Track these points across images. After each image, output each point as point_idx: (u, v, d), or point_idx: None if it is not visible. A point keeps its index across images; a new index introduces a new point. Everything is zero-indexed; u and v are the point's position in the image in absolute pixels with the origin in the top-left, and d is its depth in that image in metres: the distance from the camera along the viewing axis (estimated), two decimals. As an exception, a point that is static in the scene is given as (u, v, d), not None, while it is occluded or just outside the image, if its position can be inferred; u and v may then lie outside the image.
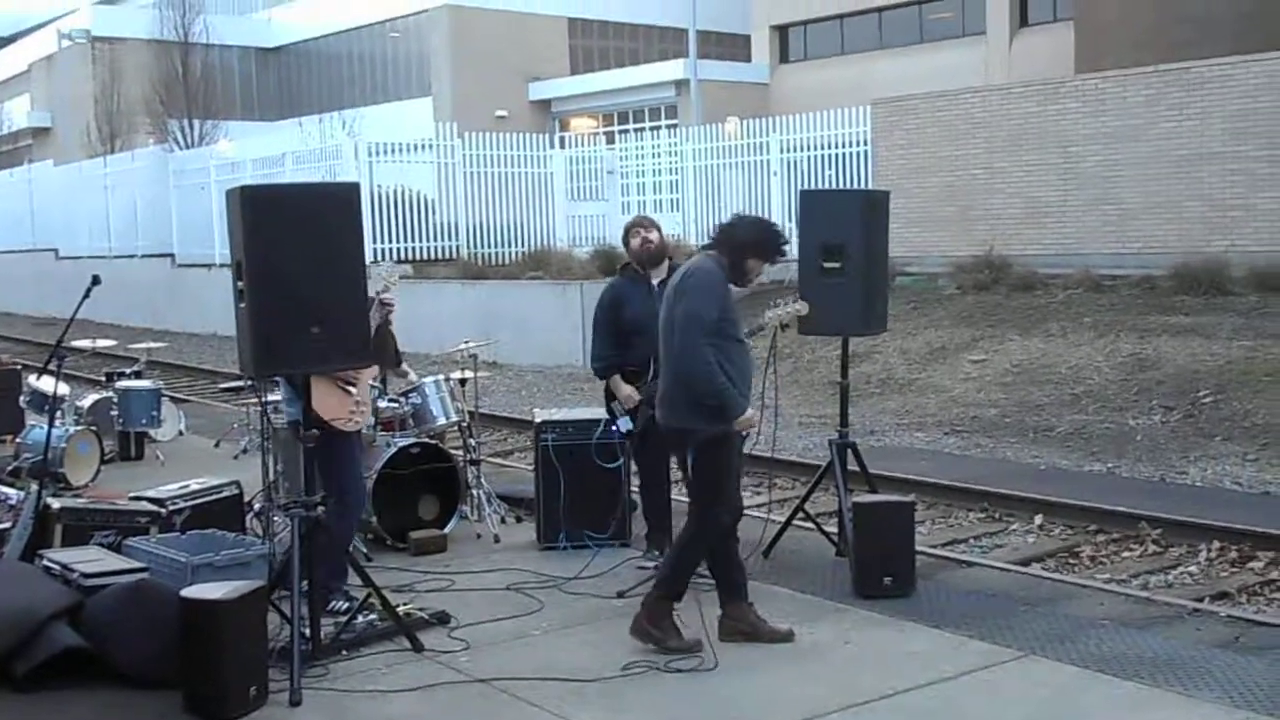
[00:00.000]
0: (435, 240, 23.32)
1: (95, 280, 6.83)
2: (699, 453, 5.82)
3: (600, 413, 7.64)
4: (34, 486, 6.95)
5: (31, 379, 10.90)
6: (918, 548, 7.05)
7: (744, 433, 6.02)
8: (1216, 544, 8.23)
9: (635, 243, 7.22)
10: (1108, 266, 16.61)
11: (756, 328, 6.89)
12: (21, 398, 10.82)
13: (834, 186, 19.18)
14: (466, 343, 8.79)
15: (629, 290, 7.21)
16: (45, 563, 6.01)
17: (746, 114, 24.02)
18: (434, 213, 23.43)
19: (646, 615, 5.85)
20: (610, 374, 7.23)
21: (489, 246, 23.44)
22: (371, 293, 6.51)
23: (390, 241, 22.58)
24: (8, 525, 6.91)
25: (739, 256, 5.91)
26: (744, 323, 6.06)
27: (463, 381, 8.61)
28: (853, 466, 7.46)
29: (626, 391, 7.13)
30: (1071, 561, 8.31)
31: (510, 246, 23.43)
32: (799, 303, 6.90)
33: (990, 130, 18.59)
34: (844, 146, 20.39)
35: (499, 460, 11.26)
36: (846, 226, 7.17)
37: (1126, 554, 8.40)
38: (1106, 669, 5.53)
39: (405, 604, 6.32)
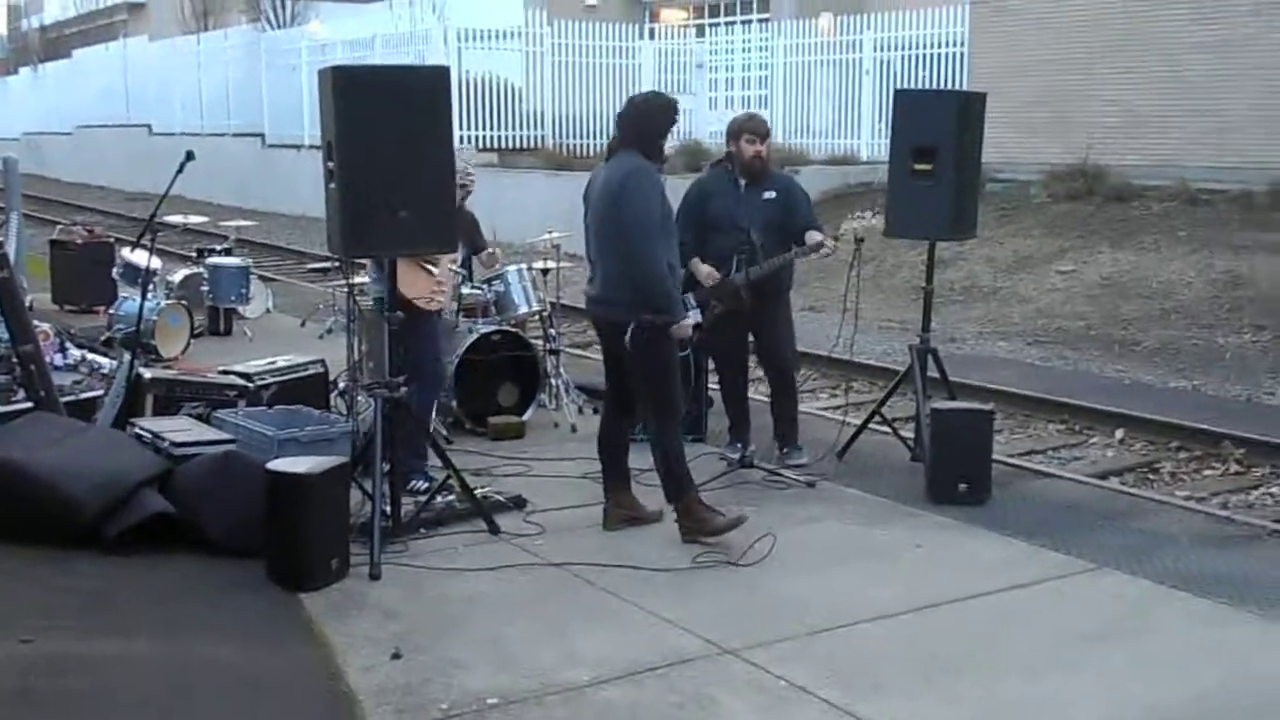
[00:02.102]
0: (521, 129, 23.26)
1: (189, 156, 6.90)
2: (643, 346, 5.83)
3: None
4: (126, 356, 7.11)
5: (125, 252, 11.10)
6: (995, 456, 7.01)
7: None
8: (1301, 466, 8.11)
9: (747, 151, 7.08)
10: (1206, 180, 16.16)
11: (814, 246, 6.87)
12: (115, 270, 11.03)
13: (927, 88, 18.79)
14: (550, 233, 8.80)
15: (717, 187, 7.15)
16: (137, 430, 6.18)
17: (840, 10, 23.47)
18: (521, 101, 23.32)
19: (683, 518, 5.94)
20: (687, 259, 7.08)
21: (575, 137, 23.32)
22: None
23: (477, 129, 22.56)
24: (100, 393, 7.11)
25: (654, 144, 5.89)
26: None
27: (545, 271, 8.63)
28: (933, 373, 7.40)
29: (706, 270, 7.06)
30: (1151, 477, 8.23)
31: (596, 138, 23.26)
32: (876, 216, 6.93)
33: (1093, 34, 18.03)
34: (939, 47, 19.91)
35: (578, 351, 11.32)
36: (940, 128, 7.03)
37: (1208, 472, 8.30)
38: (1181, 585, 5.50)
39: (483, 487, 6.43)
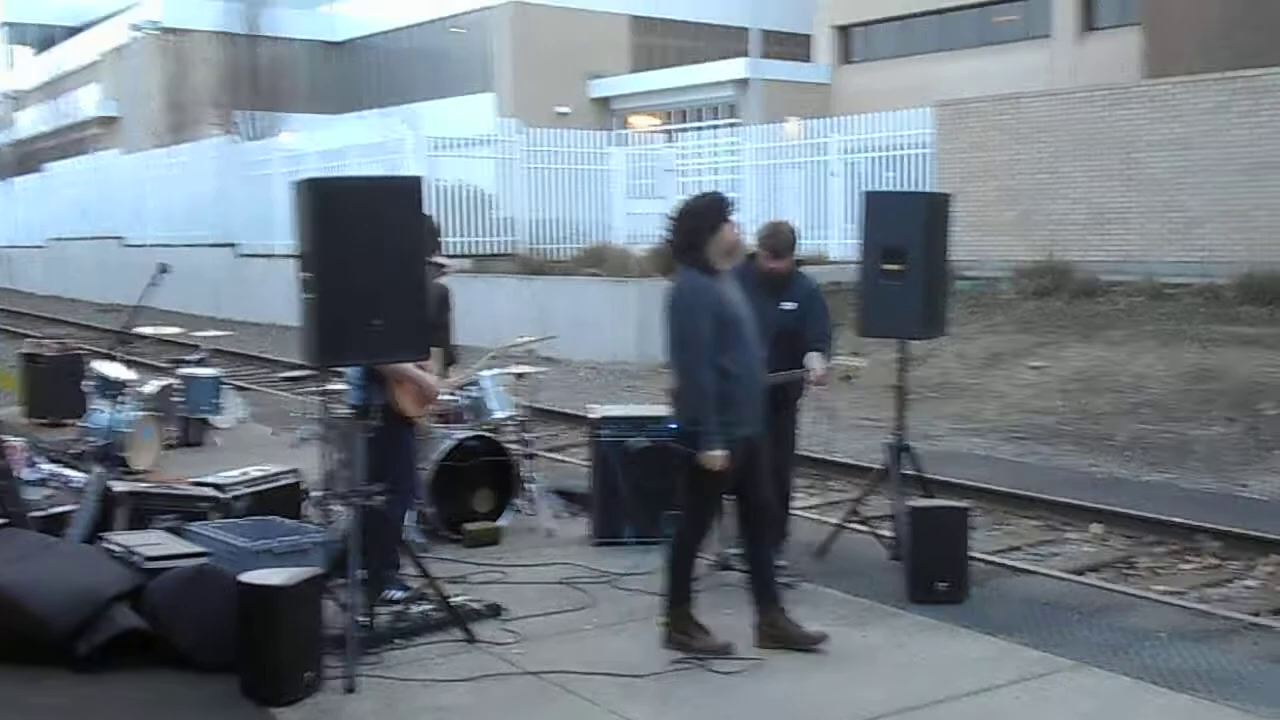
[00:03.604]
0: (494, 235, 23.42)
1: (163, 268, 6.96)
2: (689, 458, 5.74)
3: (656, 409, 7.75)
4: (97, 470, 7.07)
5: (96, 364, 11.06)
6: (972, 554, 7.00)
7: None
8: (1276, 558, 8.13)
9: (764, 265, 6.95)
10: (1171, 275, 16.41)
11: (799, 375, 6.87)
12: (85, 382, 10.97)
13: (894, 189, 19.07)
14: (523, 338, 8.83)
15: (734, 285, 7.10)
16: (108, 545, 6.10)
17: (807, 114, 23.92)
18: (494, 208, 23.53)
19: (671, 625, 5.86)
20: None
21: (547, 242, 23.51)
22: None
23: (450, 236, 22.65)
24: (71, 507, 7.04)
25: (698, 252, 5.72)
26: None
27: (520, 376, 8.65)
28: (908, 470, 7.43)
29: None
30: (1128, 572, 8.23)
31: (568, 243, 23.49)
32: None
33: (1054, 134, 18.41)
34: (905, 149, 20.28)
35: (554, 455, 11.30)
36: (908, 229, 7.14)
37: (1184, 566, 8.30)
38: (1161, 681, 5.48)
39: (459, 595, 6.37)
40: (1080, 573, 7.98)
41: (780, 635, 5.87)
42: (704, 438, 5.61)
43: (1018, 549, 8.70)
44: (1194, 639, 6.23)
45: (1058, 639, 6.05)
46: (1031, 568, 7.91)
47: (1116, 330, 15.18)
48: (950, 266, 7.63)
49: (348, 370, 6.79)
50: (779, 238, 7.04)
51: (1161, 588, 7.72)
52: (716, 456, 5.59)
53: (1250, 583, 7.87)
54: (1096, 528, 9.04)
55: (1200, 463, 11.28)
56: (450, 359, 8.58)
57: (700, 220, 5.79)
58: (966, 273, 17.54)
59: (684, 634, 5.81)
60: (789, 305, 6.98)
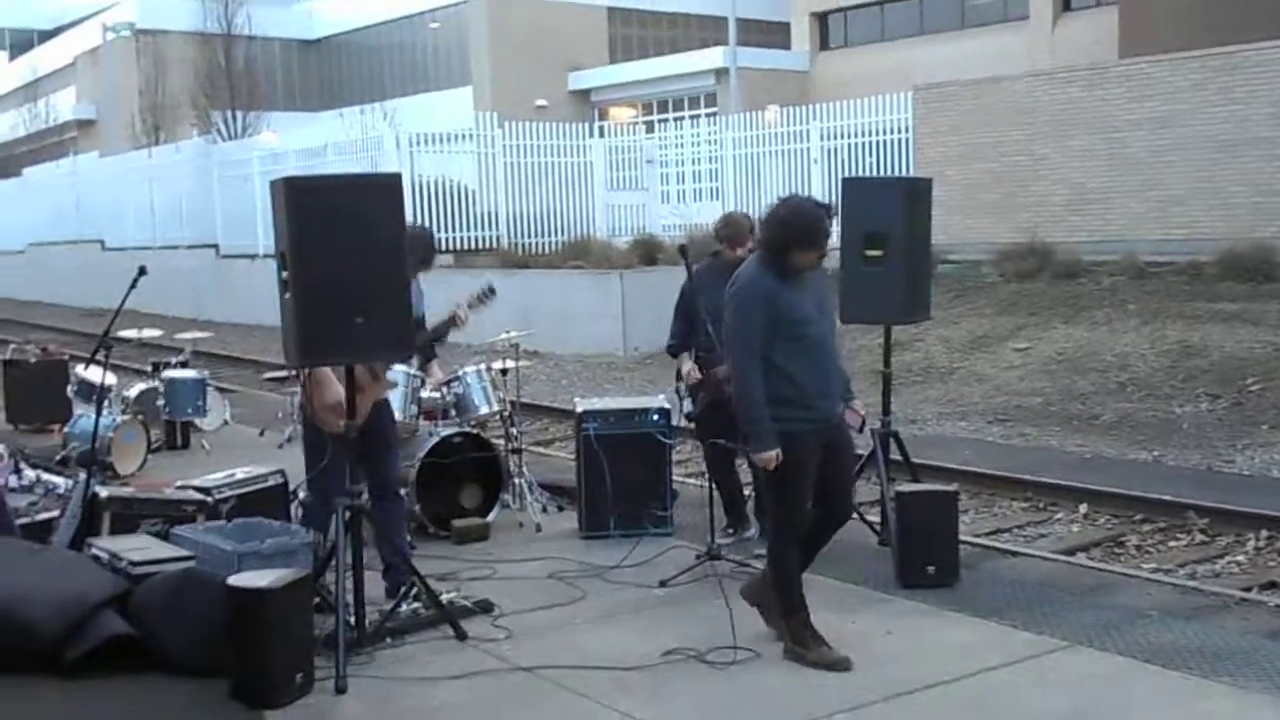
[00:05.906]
0: (476, 230, 23.35)
1: (142, 271, 6.88)
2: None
3: (642, 401, 7.83)
4: (82, 475, 7.02)
5: (79, 369, 11.00)
6: (961, 537, 7.00)
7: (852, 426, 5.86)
8: (1264, 533, 8.15)
9: (728, 256, 7.12)
10: (1153, 253, 16.44)
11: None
12: (69, 387, 10.91)
13: (875, 174, 19.07)
14: (507, 332, 8.81)
15: (709, 280, 7.04)
16: (94, 551, 6.06)
17: (786, 102, 23.91)
18: (474, 202, 23.44)
19: (789, 637, 5.65)
20: (678, 353, 7.45)
21: (529, 236, 23.45)
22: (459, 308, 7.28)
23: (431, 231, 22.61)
24: (56, 514, 7.00)
25: (780, 255, 5.54)
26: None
27: (504, 371, 8.63)
28: (895, 455, 7.43)
29: (687, 367, 7.30)
30: (1117, 551, 8.25)
31: (550, 236, 23.43)
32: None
33: (1034, 116, 18.43)
34: (885, 133, 20.28)
35: (540, 449, 11.29)
36: (889, 214, 7.13)
37: (1173, 543, 8.32)
38: (1153, 659, 5.48)
39: (448, 592, 6.34)
40: (1070, 553, 7.98)
41: (760, 600, 5.82)
42: (752, 436, 5.46)
43: (1006, 531, 8.72)
44: (1185, 616, 6.23)
45: (1049, 620, 6.04)
46: (1020, 549, 7.91)
47: (1099, 310, 15.20)
48: (932, 250, 7.62)
49: None
50: (733, 226, 7.33)
51: (1151, 566, 7.74)
52: (767, 456, 5.41)
53: (1239, 558, 7.89)
54: (1084, 507, 9.05)
55: (1186, 440, 11.31)
56: (430, 354, 8.56)
57: (790, 230, 5.50)
58: (949, 256, 17.54)
59: (801, 645, 5.58)
60: None
